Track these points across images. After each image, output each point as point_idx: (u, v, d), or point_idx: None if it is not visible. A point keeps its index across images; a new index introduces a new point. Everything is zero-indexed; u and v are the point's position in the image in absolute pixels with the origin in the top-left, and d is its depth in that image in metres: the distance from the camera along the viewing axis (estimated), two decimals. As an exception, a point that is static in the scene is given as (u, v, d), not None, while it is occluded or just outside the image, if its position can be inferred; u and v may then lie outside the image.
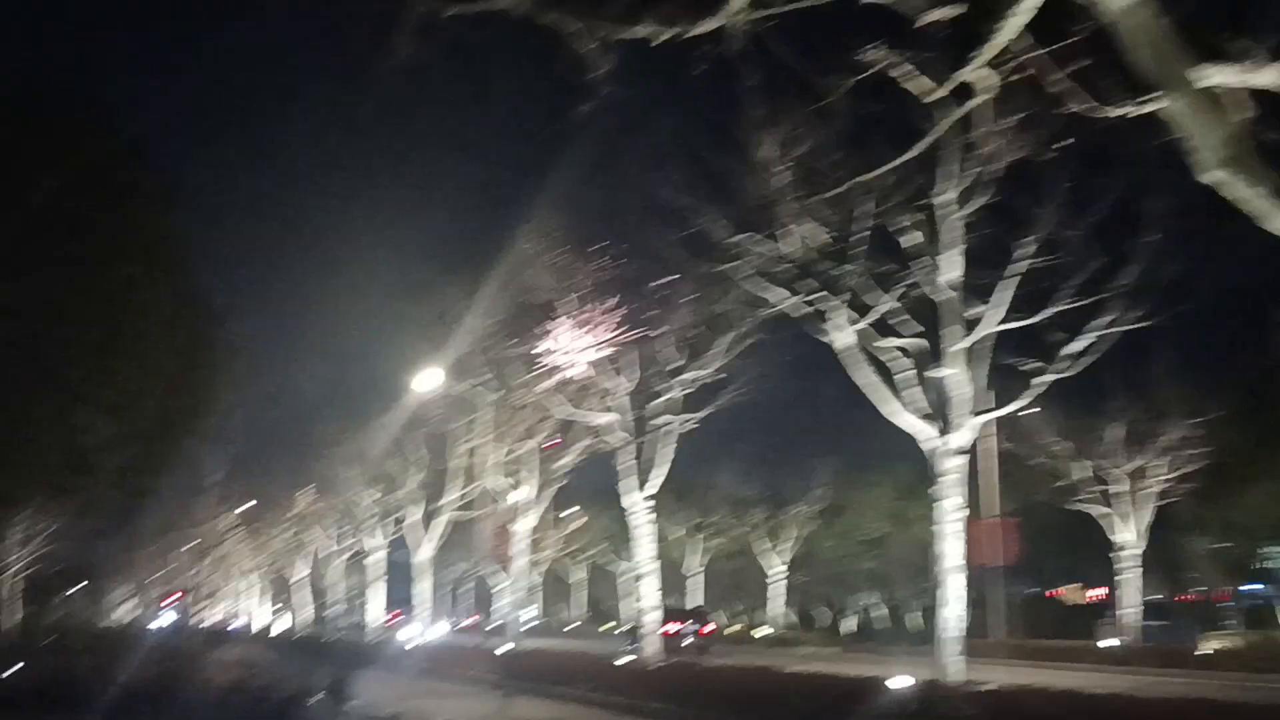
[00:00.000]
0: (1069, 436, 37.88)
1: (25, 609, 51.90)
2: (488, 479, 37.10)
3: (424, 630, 48.90)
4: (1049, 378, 18.82)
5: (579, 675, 25.19)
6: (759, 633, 56.73)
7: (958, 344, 18.69)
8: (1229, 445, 36.78)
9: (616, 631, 52.60)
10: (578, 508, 58.01)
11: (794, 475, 56.65)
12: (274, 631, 74.50)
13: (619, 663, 26.68)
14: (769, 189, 19.51)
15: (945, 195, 18.26)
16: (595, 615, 74.75)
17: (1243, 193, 6.28)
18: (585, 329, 28.21)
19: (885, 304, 19.27)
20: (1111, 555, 37.38)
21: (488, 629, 44.56)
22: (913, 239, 19.11)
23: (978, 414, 19.01)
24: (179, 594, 48.22)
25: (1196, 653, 33.22)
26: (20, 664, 21.26)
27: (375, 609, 53.75)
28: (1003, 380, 22.28)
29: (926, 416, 18.79)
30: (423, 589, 46.32)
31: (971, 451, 37.06)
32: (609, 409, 28.70)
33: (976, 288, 19.08)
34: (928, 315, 19.32)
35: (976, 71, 7.92)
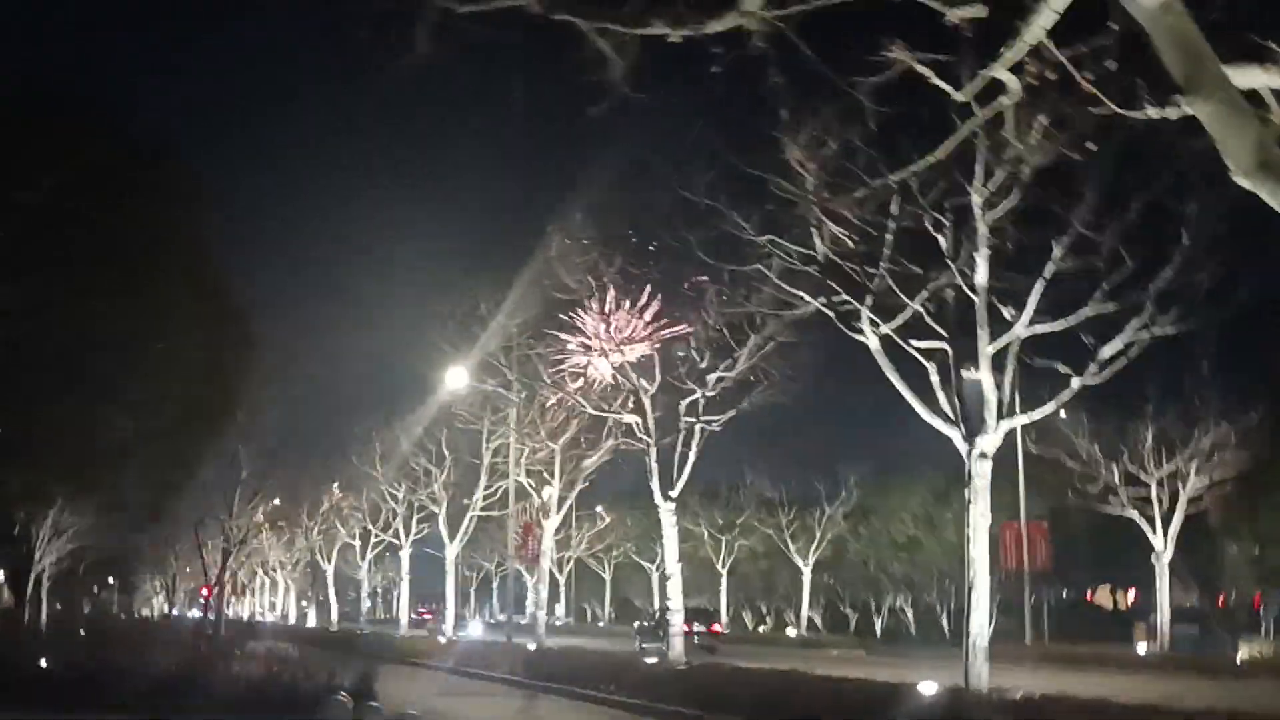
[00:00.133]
0: (1101, 440, 37.51)
1: (57, 602, 52.49)
2: (514, 477, 37.14)
3: (457, 628, 49.12)
4: (1078, 383, 18.56)
5: (604, 676, 25.07)
6: (790, 633, 56.62)
7: (986, 348, 18.47)
8: (1263, 451, 36.31)
9: (635, 627, 52.60)
10: (600, 508, 58.06)
11: (824, 477, 56.51)
12: (304, 625, 75.06)
13: (646, 663, 26.57)
14: (797, 190, 19.37)
15: (974, 197, 18.05)
16: (624, 613, 74.75)
17: (1277, 198, 6.13)
18: (611, 329, 28.16)
19: (913, 306, 19.06)
20: (1151, 560, 36.94)
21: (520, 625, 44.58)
22: (941, 241, 18.91)
23: (1005, 418, 18.77)
24: (210, 588, 48.50)
25: (1233, 660, 32.87)
26: (51, 656, 21.39)
27: (405, 605, 53.99)
28: (1032, 384, 22.09)
29: (956, 420, 18.58)
30: (451, 585, 46.43)
31: (1011, 455, 37.15)
32: (633, 409, 28.62)
33: (1009, 291, 18.86)
34: (957, 318, 19.11)
35: (1004, 72, 7.77)
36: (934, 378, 18.91)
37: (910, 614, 60.70)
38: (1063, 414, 34.51)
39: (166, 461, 23.13)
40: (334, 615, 69.05)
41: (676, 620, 28.51)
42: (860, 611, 63.41)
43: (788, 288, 21.45)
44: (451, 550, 44.73)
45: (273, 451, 41.90)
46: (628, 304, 28.21)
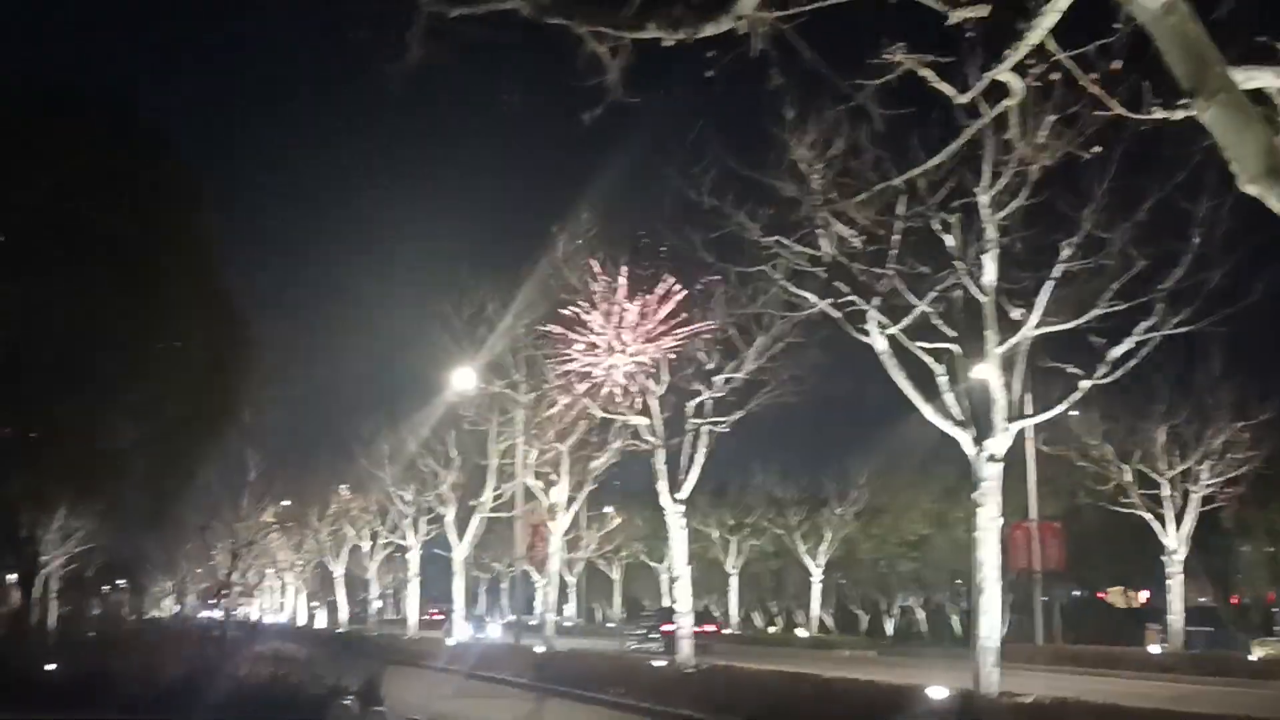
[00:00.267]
0: (1114, 439, 37.30)
1: (64, 606, 52.52)
2: (523, 478, 37.05)
3: (468, 631, 49.08)
4: (1088, 384, 18.39)
5: (613, 678, 25.03)
6: (801, 633, 56.47)
7: (995, 348, 18.32)
8: (1276, 449, 36.07)
9: (637, 628, 52.90)
10: (610, 509, 57.92)
11: (833, 476, 56.29)
12: (313, 627, 75.10)
13: (655, 665, 26.47)
14: (803, 191, 19.25)
15: (981, 197, 17.90)
16: (634, 614, 74.63)
17: (1284, 206, 5.98)
18: (618, 331, 28.02)
19: (921, 307, 18.91)
20: (1163, 559, 36.72)
21: (529, 626, 44.61)
22: (949, 241, 18.76)
23: (1016, 419, 18.61)
24: (219, 589, 48.48)
25: (1247, 660, 32.68)
26: (58, 660, 21.38)
27: (413, 606, 53.92)
28: (1043, 384, 21.92)
29: (964, 422, 18.43)
30: (459, 586, 46.35)
31: (1022, 455, 36.97)
32: (641, 411, 28.49)
33: (1017, 291, 18.71)
34: (966, 318, 18.96)
35: (1008, 73, 7.63)
36: (942, 379, 18.76)
37: (922, 613, 60.50)
38: (1074, 413, 34.36)
39: (170, 464, 23.05)
40: (343, 616, 69.03)
41: (685, 622, 28.35)
42: (871, 611, 63.22)
43: (794, 289, 21.30)
44: (459, 552, 44.64)
45: (280, 453, 41.91)
46: (638, 305, 28.05)
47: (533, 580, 50.42)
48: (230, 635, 39.67)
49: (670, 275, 27.05)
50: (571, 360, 28.35)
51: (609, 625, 70.12)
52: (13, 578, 44.31)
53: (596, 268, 28.03)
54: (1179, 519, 36.39)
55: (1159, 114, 7.03)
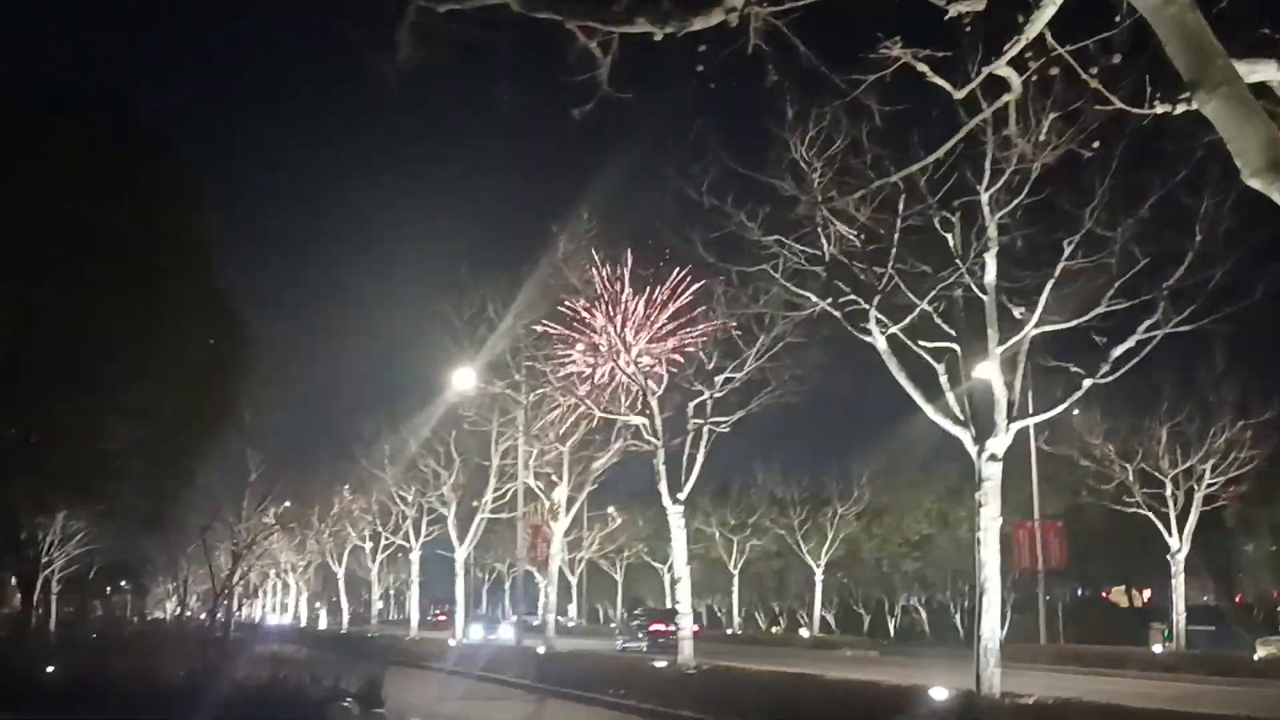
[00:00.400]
0: (1116, 438, 37.23)
1: (66, 607, 52.52)
2: (523, 479, 37.00)
3: (480, 632, 49.09)
4: (1089, 382, 18.30)
5: (614, 679, 24.93)
6: (803, 633, 56.40)
7: (996, 346, 18.24)
8: (1278, 448, 36.01)
9: (626, 629, 53.16)
10: (613, 509, 57.87)
11: (835, 476, 56.25)
12: (315, 628, 75.06)
13: (656, 666, 26.39)
14: (803, 190, 19.18)
15: (982, 195, 17.82)
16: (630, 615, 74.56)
17: (1287, 199, 5.90)
18: (620, 332, 27.97)
19: (922, 306, 18.83)
20: (1166, 558, 36.64)
21: (531, 627, 44.61)
22: (950, 240, 18.68)
23: (1016, 418, 18.53)
24: (222, 591, 48.45)
25: (1250, 659, 32.61)
26: (59, 661, 21.30)
27: (414, 606, 53.89)
28: (1045, 383, 21.85)
29: (965, 421, 18.35)
30: (460, 587, 46.31)
31: (1024, 454, 36.90)
32: (641, 411, 28.43)
33: (1018, 290, 18.63)
34: (967, 317, 18.89)
35: (1006, 68, 7.55)
36: (943, 378, 18.68)
37: (924, 613, 60.42)
38: (1076, 412, 34.28)
39: (170, 465, 22.98)
40: (345, 617, 69.00)
41: (686, 623, 28.26)
42: (873, 611, 63.13)
43: (794, 289, 21.22)
44: (461, 552, 44.59)
45: (281, 454, 41.79)
46: (642, 304, 28.03)
47: (536, 580, 50.39)
48: (231, 637, 39.65)
49: (673, 276, 27.01)
50: (572, 361, 28.31)
51: (611, 625, 70.08)
52: (14, 580, 44.33)
53: (596, 272, 28.01)
54: (1182, 518, 36.33)
55: (1160, 108, 6.96)
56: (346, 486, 57.87)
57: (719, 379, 26.92)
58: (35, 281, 19.19)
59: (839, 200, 18.18)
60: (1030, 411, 22.01)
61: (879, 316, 18.85)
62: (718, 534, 59.32)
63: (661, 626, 45.25)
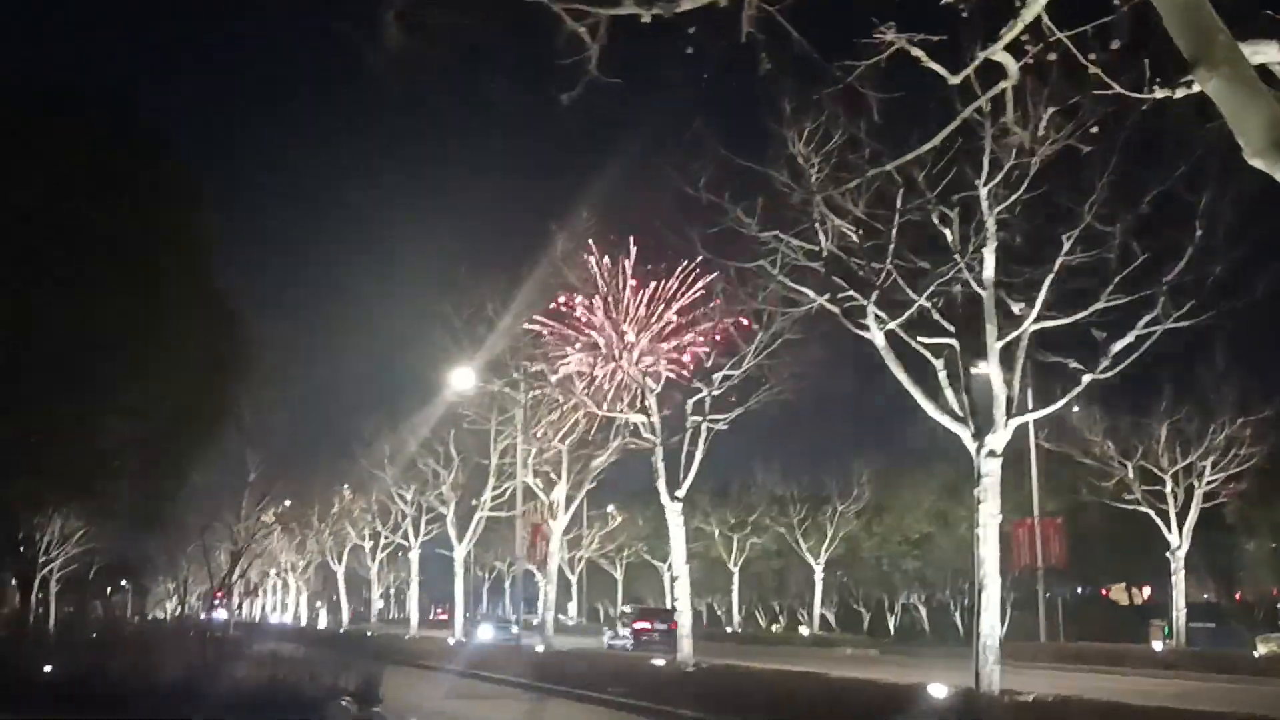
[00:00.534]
0: (1116, 436, 37.18)
1: (66, 607, 52.48)
2: (523, 477, 36.92)
3: (490, 632, 49.07)
4: (1088, 378, 18.22)
5: (612, 678, 24.87)
6: (803, 632, 56.34)
7: (995, 342, 18.16)
8: (1279, 445, 35.96)
9: (612, 627, 53.39)
10: (613, 507, 57.84)
11: (835, 474, 56.20)
12: (316, 627, 75.07)
13: (654, 665, 26.34)
14: (801, 184, 19.10)
15: (980, 190, 17.75)
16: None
17: (1291, 179, 5.81)
18: (620, 332, 27.90)
19: (919, 301, 18.75)
20: (1167, 555, 36.59)
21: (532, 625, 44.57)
22: (948, 235, 18.61)
23: (1015, 415, 18.45)
24: (221, 590, 48.51)
25: (1250, 656, 32.56)
26: (57, 661, 21.24)
27: (414, 605, 53.84)
28: (1044, 379, 21.77)
29: (964, 417, 18.27)
30: (460, 586, 46.28)
31: (1024, 451, 36.84)
32: (639, 409, 28.36)
33: (1017, 286, 18.55)
34: (966, 313, 18.80)
35: (1003, 53, 7.46)
36: (942, 374, 18.60)
37: (924, 611, 60.36)
38: (1075, 410, 34.23)
39: (168, 464, 22.92)
40: (344, 616, 68.97)
41: (685, 621, 28.19)
42: (873, 609, 63.08)
43: (792, 285, 21.13)
44: (460, 551, 44.52)
45: (280, 453, 41.74)
46: (645, 303, 27.95)
47: (536, 579, 50.33)
48: (231, 636, 39.60)
49: (678, 271, 26.95)
50: (569, 361, 28.25)
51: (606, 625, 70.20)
52: (13, 580, 44.25)
53: (596, 265, 27.94)
54: (1182, 515, 36.29)
55: (1160, 93, 6.87)
56: (346, 486, 57.87)
57: (717, 376, 26.84)
58: (34, 281, 19.10)
59: (835, 190, 18.08)
60: (1029, 408, 21.91)
61: (877, 312, 18.78)
62: (717, 532, 59.25)
63: (645, 625, 46.73)
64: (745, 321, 26.35)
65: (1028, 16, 6.89)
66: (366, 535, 60.07)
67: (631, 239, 28.21)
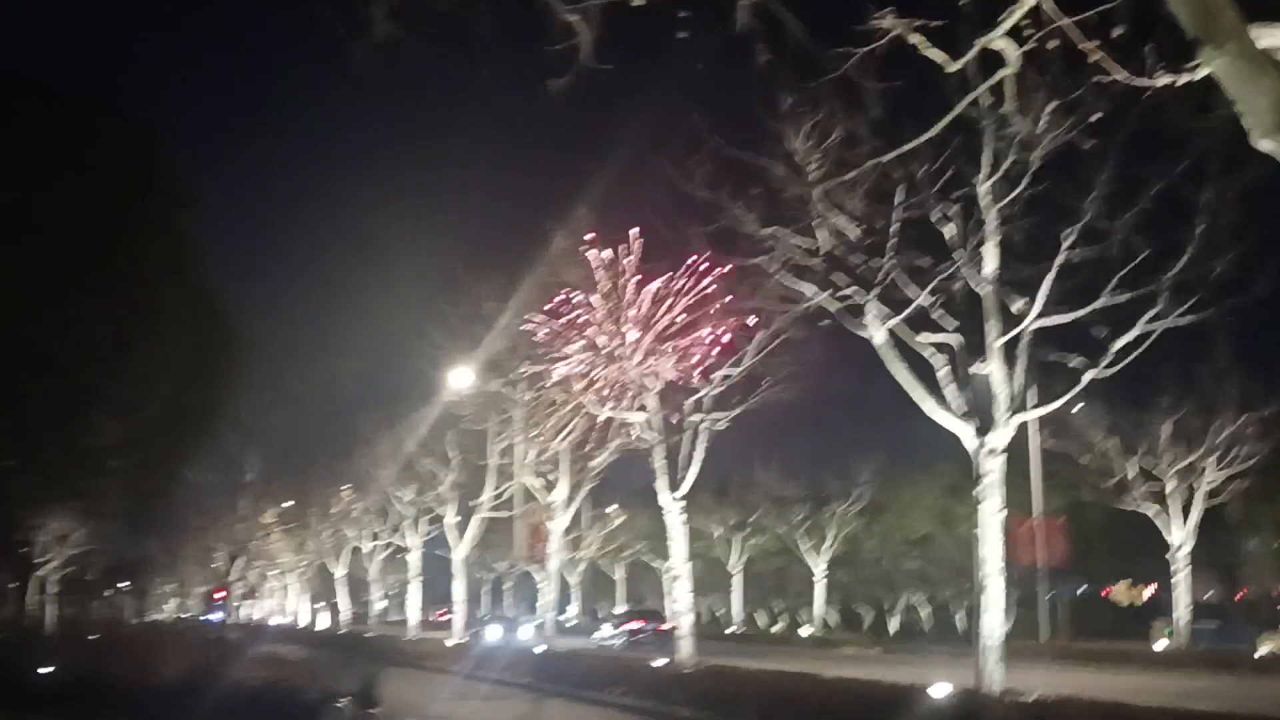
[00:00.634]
0: (1118, 434, 37.05)
1: (66, 608, 52.34)
2: (522, 477, 36.82)
3: (499, 633, 49.06)
4: (1090, 376, 18.11)
5: (612, 678, 24.78)
6: (803, 632, 56.21)
7: (996, 340, 18.04)
8: (1282, 443, 35.86)
9: (604, 628, 53.36)
10: (615, 506, 57.71)
11: (836, 473, 55.99)
12: (315, 628, 74.92)
13: (654, 665, 26.24)
14: (800, 181, 18.98)
15: (981, 186, 17.63)
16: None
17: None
18: (615, 327, 27.77)
19: (920, 299, 18.64)
20: (1168, 557, 36.48)
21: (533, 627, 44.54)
22: (949, 231, 18.49)
23: (1018, 412, 18.33)
24: (222, 591, 48.52)
25: (1253, 655, 32.45)
26: (55, 662, 21.18)
27: (414, 606, 53.69)
28: (1045, 377, 21.64)
29: (965, 415, 18.15)
30: (459, 587, 46.13)
31: (1025, 450, 36.74)
32: (639, 408, 28.23)
33: (1018, 283, 18.44)
34: (967, 310, 18.69)
35: (1003, 40, 7.33)
36: (942, 372, 18.49)
37: (925, 611, 60.23)
38: (1077, 408, 34.09)
39: (159, 464, 22.82)
40: (345, 618, 68.84)
41: (685, 622, 28.03)
42: (874, 610, 62.95)
43: (792, 281, 21.00)
44: (459, 552, 44.39)
45: (279, 454, 41.70)
46: (648, 303, 27.79)
47: (536, 581, 50.24)
48: (230, 637, 39.55)
49: (665, 269, 26.83)
50: (567, 361, 28.11)
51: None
52: (12, 583, 44.23)
53: (595, 264, 27.81)
54: (1184, 514, 36.19)
55: (1163, 80, 6.73)
56: (345, 486, 57.72)
57: (717, 375, 26.72)
58: (26, 279, 19.03)
59: (832, 185, 17.95)
60: (1030, 406, 21.80)
61: (878, 308, 18.66)
62: (718, 533, 59.10)
63: (636, 626, 47.25)
64: (750, 321, 26.24)
65: (1028, 2, 6.76)
66: (366, 536, 59.92)
67: (631, 234, 28.06)
